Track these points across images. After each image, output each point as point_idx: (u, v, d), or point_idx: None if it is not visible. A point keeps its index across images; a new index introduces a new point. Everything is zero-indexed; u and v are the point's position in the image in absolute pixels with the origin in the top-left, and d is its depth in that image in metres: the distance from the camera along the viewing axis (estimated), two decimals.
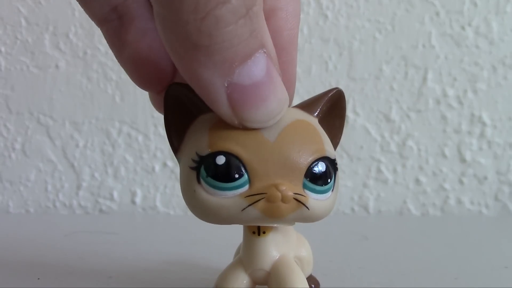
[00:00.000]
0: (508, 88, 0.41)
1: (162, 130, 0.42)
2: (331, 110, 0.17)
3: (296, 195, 0.15)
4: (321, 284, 0.21)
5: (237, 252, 0.21)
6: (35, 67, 0.43)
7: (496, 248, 0.30)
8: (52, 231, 0.35)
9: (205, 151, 0.15)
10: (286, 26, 0.17)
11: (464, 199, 0.41)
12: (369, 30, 0.41)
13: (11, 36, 0.43)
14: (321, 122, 0.17)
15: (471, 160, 0.41)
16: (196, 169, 0.15)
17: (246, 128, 0.15)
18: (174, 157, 0.17)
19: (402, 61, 0.41)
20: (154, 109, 0.19)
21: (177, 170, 0.17)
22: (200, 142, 0.15)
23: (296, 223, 0.16)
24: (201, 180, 0.15)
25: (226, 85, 0.14)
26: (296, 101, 0.18)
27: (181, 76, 0.15)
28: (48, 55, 0.43)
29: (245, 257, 0.17)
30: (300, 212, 0.15)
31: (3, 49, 0.43)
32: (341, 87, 0.18)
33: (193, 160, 0.15)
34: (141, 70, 0.17)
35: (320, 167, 0.16)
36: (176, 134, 0.17)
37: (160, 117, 0.17)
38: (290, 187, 0.15)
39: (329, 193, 0.16)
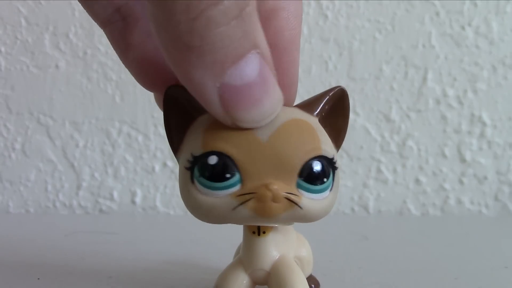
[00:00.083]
0: (508, 88, 0.41)
1: (162, 130, 0.42)
2: (334, 109, 0.17)
3: (288, 194, 0.15)
4: (321, 284, 0.21)
5: (237, 252, 0.21)
6: (35, 67, 0.43)
7: (496, 248, 0.30)
8: (52, 231, 0.35)
9: (199, 151, 0.15)
10: (288, 26, 0.16)
11: (464, 199, 0.41)
12: (369, 30, 0.41)
13: (11, 36, 0.43)
14: (323, 121, 0.17)
15: (471, 160, 0.41)
16: (190, 169, 0.15)
17: (239, 128, 0.15)
18: (174, 157, 0.17)
19: (402, 61, 0.41)
20: (154, 109, 0.19)
21: (177, 170, 0.17)
22: (195, 143, 0.16)
23: (296, 223, 0.16)
24: (195, 180, 0.15)
25: (218, 85, 0.14)
26: (296, 101, 0.18)
27: None
28: (48, 55, 0.43)
29: (245, 257, 0.17)
30: (293, 212, 0.15)
31: (3, 49, 0.43)
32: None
33: (188, 160, 0.15)
34: (147, 71, 0.17)
35: (315, 166, 0.15)
36: (176, 135, 0.17)
37: (160, 117, 0.17)
38: (282, 187, 0.15)
39: (327, 192, 0.16)
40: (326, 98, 0.17)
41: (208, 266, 0.25)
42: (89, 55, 0.43)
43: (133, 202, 0.43)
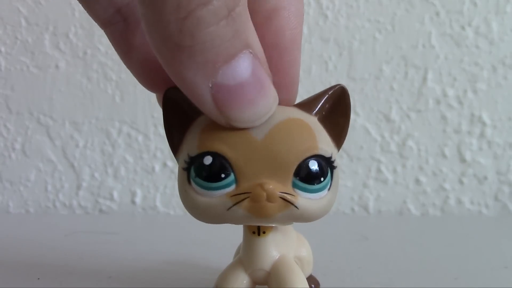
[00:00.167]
0: (508, 88, 0.41)
1: (162, 130, 0.41)
2: (334, 108, 0.17)
3: (283, 194, 0.15)
4: (321, 284, 0.21)
5: (237, 252, 0.21)
6: (35, 67, 0.43)
7: (496, 248, 0.30)
8: (52, 231, 0.35)
9: (195, 152, 0.15)
10: (289, 26, 0.16)
11: (464, 199, 0.41)
12: (369, 30, 0.41)
13: (11, 36, 0.43)
14: (323, 120, 0.17)
15: (471, 160, 0.41)
16: (187, 169, 0.15)
17: (234, 128, 0.15)
18: (174, 157, 0.17)
19: (402, 61, 0.41)
20: (154, 109, 0.19)
21: (177, 170, 0.17)
22: (191, 143, 0.16)
23: (295, 223, 0.16)
24: (191, 181, 0.15)
25: (210, 85, 0.14)
26: (296, 101, 0.18)
27: None
28: (48, 55, 0.43)
29: (245, 257, 0.17)
30: (289, 212, 0.15)
31: (3, 49, 0.43)
32: None
33: (185, 161, 0.16)
34: (149, 72, 0.17)
35: (312, 166, 0.15)
36: (176, 136, 0.17)
37: (160, 117, 0.17)
38: (277, 186, 0.15)
39: (324, 192, 0.16)
40: (326, 97, 0.17)
41: (208, 266, 0.25)
42: (89, 55, 0.43)
43: (133, 202, 0.43)
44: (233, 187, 0.15)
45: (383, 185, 0.42)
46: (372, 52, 0.41)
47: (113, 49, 0.18)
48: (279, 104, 0.15)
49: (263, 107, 0.15)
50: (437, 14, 0.41)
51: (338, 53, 0.42)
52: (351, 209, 0.42)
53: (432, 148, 0.41)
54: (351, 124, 0.44)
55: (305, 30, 0.41)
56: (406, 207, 0.42)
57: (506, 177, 0.41)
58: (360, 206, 0.42)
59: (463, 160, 0.41)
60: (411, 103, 0.41)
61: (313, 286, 0.20)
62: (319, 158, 0.16)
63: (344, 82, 0.41)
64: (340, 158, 0.41)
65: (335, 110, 0.17)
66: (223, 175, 0.15)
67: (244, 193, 0.15)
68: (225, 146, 0.15)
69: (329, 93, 0.17)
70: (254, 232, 0.17)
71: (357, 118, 0.41)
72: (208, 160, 0.15)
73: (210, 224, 0.16)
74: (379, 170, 0.41)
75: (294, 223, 0.16)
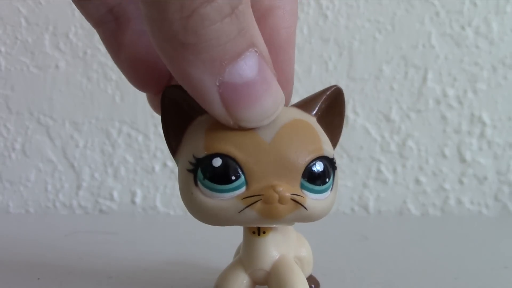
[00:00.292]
0: (508, 88, 0.41)
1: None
2: (330, 108, 0.17)
3: (294, 195, 0.15)
4: (321, 284, 0.21)
5: (237, 252, 0.21)
6: (35, 67, 0.43)
7: (496, 248, 0.30)
8: (52, 231, 0.35)
9: (202, 153, 0.15)
10: (283, 24, 0.17)
11: (464, 199, 0.41)
12: (369, 30, 0.41)
13: (11, 36, 0.43)
14: (319, 120, 0.17)
15: (471, 160, 0.41)
16: (193, 171, 0.15)
17: (242, 129, 0.15)
18: (172, 157, 0.17)
19: (402, 61, 0.41)
20: None
21: (177, 170, 0.17)
22: (196, 144, 0.15)
23: (296, 223, 0.16)
24: (198, 183, 0.15)
25: (217, 84, 0.13)
26: (295, 101, 0.18)
27: None
28: (48, 55, 0.43)
29: (245, 257, 0.17)
30: (298, 213, 0.15)
31: (3, 49, 0.43)
32: (341, 87, 0.18)
33: (190, 163, 0.15)
34: (138, 71, 0.17)
35: (318, 167, 0.15)
36: (174, 136, 0.17)
37: (160, 117, 0.17)
38: (287, 188, 0.15)
39: (328, 192, 0.16)
40: (323, 98, 0.17)
41: (208, 266, 0.25)
42: (89, 55, 0.43)
43: (133, 202, 0.43)
44: (243, 189, 0.15)
45: (383, 185, 0.42)
46: (372, 52, 0.41)
47: (106, 49, 0.18)
48: None
49: (271, 106, 0.15)
50: (437, 14, 0.41)
51: (338, 53, 0.42)
52: (351, 209, 0.42)
53: (432, 148, 0.41)
54: (351, 124, 0.44)
55: (305, 30, 0.42)
56: (406, 207, 0.42)
57: (506, 177, 0.41)
58: (360, 206, 0.42)
59: (463, 160, 0.41)
60: (411, 103, 0.41)
61: (313, 286, 0.20)
62: (324, 159, 0.16)
63: (344, 82, 0.41)
64: (340, 158, 0.41)
65: (330, 110, 0.17)
66: (233, 177, 0.15)
67: (256, 195, 0.15)
68: (234, 147, 0.15)
69: (327, 93, 0.17)
70: (254, 232, 0.17)
71: (357, 118, 0.41)
72: (217, 162, 0.15)
73: (213, 226, 0.16)
74: (379, 170, 0.41)
75: (295, 223, 0.17)
